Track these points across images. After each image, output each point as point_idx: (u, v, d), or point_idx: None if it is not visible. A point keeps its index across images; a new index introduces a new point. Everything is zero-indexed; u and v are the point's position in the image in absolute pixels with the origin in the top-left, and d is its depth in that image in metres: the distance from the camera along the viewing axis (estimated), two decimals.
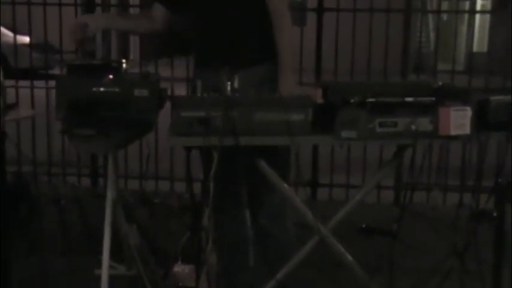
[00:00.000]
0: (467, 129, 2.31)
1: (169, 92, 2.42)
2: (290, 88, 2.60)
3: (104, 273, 2.61)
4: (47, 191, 4.93)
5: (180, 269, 3.27)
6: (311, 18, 5.31)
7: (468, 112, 2.31)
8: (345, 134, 2.28)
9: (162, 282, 3.11)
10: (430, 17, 8.80)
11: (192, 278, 2.91)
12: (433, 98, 2.33)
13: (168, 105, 2.36)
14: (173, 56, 5.66)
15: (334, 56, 5.24)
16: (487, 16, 7.77)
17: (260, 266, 2.83)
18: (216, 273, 2.89)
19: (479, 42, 12.31)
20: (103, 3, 5.71)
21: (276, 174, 2.46)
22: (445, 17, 10.12)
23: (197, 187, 2.45)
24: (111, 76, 2.44)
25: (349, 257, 2.52)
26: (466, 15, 6.37)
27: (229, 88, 2.32)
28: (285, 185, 2.52)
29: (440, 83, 2.42)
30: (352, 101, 2.27)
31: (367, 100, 2.28)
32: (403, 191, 2.56)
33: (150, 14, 2.94)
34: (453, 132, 2.31)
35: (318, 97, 2.39)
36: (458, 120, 2.30)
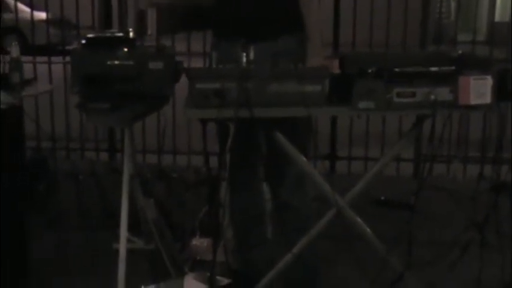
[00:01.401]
0: (487, 99, 2.25)
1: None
2: (319, 64, 2.50)
3: (122, 247, 2.62)
4: (65, 166, 4.95)
5: (198, 242, 3.27)
6: None
7: (488, 81, 2.25)
8: (362, 104, 2.24)
9: (179, 255, 3.11)
10: None
11: (209, 252, 2.91)
12: (453, 67, 2.27)
13: (185, 79, 2.33)
14: (190, 30, 5.61)
15: (352, 28, 5.17)
16: None
17: (278, 239, 2.83)
18: (233, 247, 2.89)
19: (502, 11, 12.10)
20: None
21: (294, 146, 2.43)
22: None
23: (214, 161, 2.43)
24: (125, 49, 2.42)
25: (367, 229, 2.50)
26: None
27: (244, 59, 2.29)
28: (303, 158, 2.49)
29: (460, 52, 2.37)
30: (369, 71, 2.23)
31: (385, 70, 2.24)
32: (423, 163, 2.53)
33: None
34: (473, 101, 2.26)
35: (335, 68, 2.36)
36: (479, 89, 2.24)
